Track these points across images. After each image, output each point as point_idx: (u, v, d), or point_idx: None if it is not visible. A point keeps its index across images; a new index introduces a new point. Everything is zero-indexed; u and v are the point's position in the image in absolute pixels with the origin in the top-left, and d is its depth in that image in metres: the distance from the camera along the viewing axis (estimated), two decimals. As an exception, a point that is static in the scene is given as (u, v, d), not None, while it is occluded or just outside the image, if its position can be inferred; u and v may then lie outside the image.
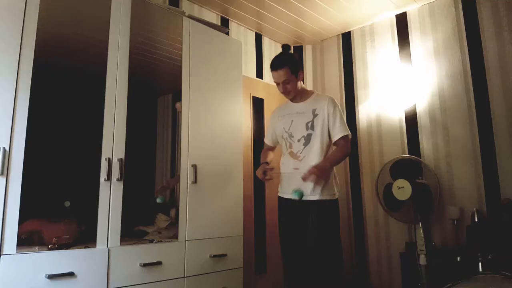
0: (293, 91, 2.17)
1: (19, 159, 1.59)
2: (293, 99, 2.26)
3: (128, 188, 1.91)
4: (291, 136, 2.20)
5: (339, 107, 2.19)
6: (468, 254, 2.44)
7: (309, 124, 2.15)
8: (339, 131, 2.12)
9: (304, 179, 1.99)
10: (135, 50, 2.08)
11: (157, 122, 2.50)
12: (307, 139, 2.14)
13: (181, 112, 2.25)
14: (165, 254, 2.02)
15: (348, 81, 3.55)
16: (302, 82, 2.26)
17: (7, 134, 1.57)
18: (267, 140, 2.42)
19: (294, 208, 2.14)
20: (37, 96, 1.66)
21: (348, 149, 2.16)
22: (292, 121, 2.21)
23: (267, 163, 2.26)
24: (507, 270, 2.12)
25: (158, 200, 2.31)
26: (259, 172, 2.18)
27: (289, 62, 2.14)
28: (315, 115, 2.15)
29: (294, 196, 2.00)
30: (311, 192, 2.07)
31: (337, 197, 2.14)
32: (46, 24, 1.73)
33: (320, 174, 2.00)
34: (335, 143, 2.15)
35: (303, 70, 2.24)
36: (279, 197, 2.26)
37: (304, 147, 2.14)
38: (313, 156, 2.10)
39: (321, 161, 2.08)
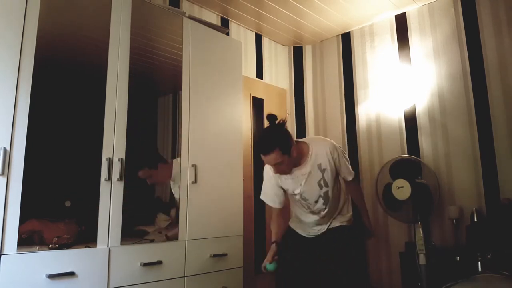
0: (289, 168, 1.93)
1: (20, 159, 1.59)
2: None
3: (129, 188, 1.91)
4: (305, 199, 2.03)
5: (339, 149, 2.06)
6: (468, 253, 2.44)
7: (321, 182, 1.99)
8: (348, 175, 2.12)
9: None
10: (135, 50, 2.08)
11: (157, 122, 2.50)
12: (325, 197, 2.02)
13: (147, 179, 2.23)
14: (165, 253, 2.03)
15: (348, 81, 3.56)
16: (295, 148, 1.92)
17: (8, 134, 1.58)
18: (275, 203, 2.09)
19: (307, 241, 2.13)
20: (38, 96, 1.66)
21: (361, 189, 2.31)
22: (301, 184, 1.99)
23: (276, 243, 2.08)
24: (507, 270, 2.12)
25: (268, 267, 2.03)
26: (268, 259, 2.00)
27: (279, 142, 1.82)
28: (323, 171, 1.99)
29: (270, 269, 2.01)
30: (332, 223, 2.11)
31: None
32: (46, 24, 1.74)
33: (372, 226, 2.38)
34: (348, 184, 2.19)
35: (294, 142, 1.93)
36: (292, 229, 2.20)
37: (326, 206, 2.04)
38: (335, 205, 2.12)
39: (366, 224, 2.29)
